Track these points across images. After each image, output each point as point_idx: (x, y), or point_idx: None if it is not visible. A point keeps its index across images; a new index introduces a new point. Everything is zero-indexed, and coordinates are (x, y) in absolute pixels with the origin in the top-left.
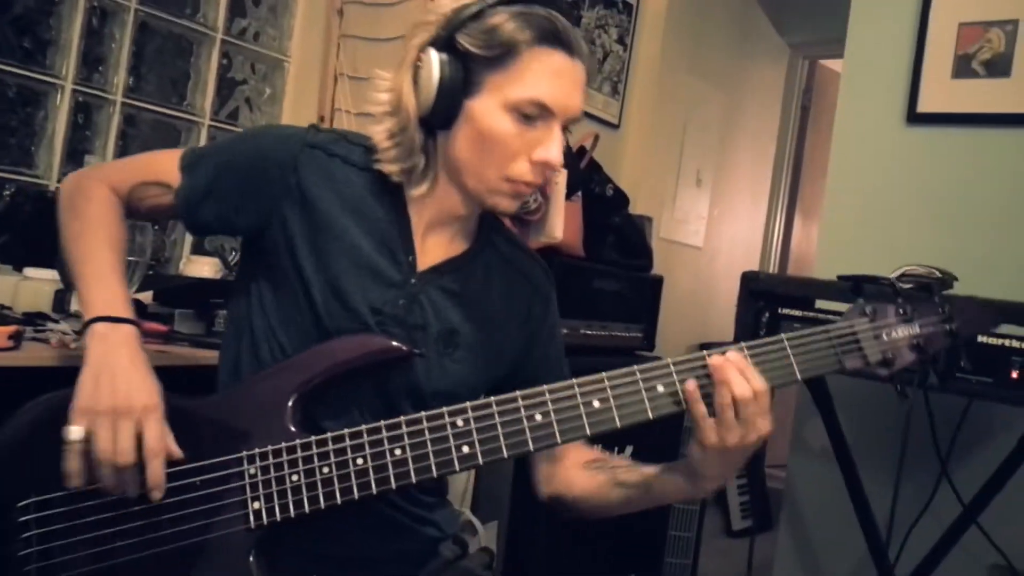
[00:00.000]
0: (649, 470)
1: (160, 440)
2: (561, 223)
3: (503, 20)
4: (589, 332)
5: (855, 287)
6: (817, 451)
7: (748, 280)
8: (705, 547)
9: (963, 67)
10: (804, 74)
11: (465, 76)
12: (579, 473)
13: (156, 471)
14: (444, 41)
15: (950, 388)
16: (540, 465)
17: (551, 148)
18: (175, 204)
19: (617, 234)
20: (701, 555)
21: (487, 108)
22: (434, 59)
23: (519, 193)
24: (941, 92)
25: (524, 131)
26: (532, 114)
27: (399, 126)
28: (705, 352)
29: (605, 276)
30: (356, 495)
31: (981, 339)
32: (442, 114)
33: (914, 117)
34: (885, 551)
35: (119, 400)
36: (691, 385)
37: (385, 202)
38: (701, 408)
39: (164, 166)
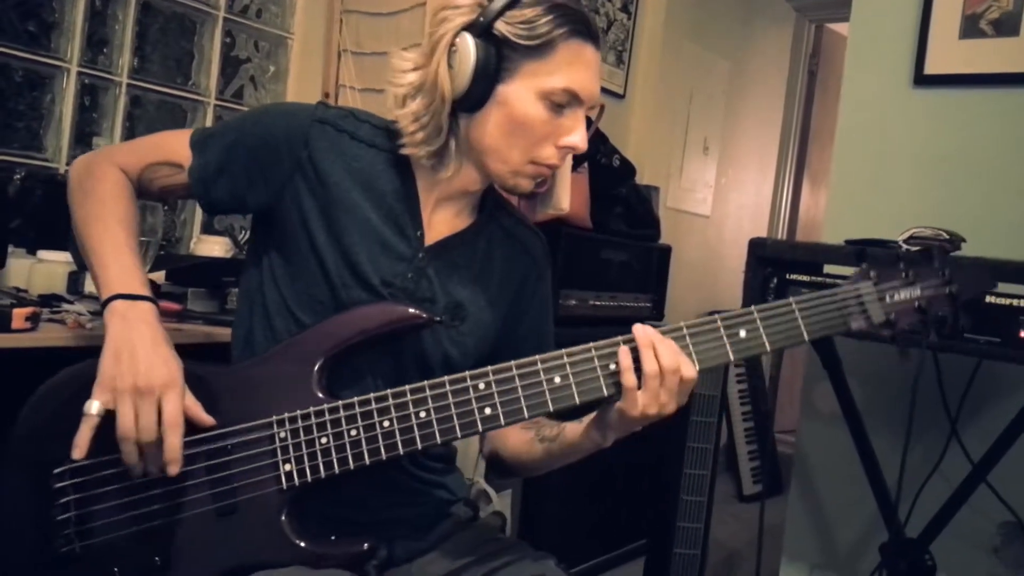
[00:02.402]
0: (565, 424)
1: (178, 415)
2: (568, 195)
3: (540, 12)
4: (598, 303)
5: (859, 253)
6: (827, 415)
7: (756, 247)
8: (717, 512)
9: (971, 27)
10: (811, 38)
11: (499, 63)
12: (515, 432)
13: (173, 445)
14: (482, 27)
15: (958, 349)
16: None
17: (578, 134)
18: (189, 183)
19: (624, 204)
20: (713, 520)
21: (520, 94)
22: (471, 44)
23: (540, 175)
24: (949, 53)
25: (553, 118)
26: (563, 102)
27: (427, 108)
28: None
29: (613, 247)
30: (384, 456)
31: (989, 299)
32: (474, 98)
33: (921, 79)
34: (895, 512)
35: (140, 378)
36: (624, 356)
37: (393, 178)
38: (632, 379)
39: (174, 146)
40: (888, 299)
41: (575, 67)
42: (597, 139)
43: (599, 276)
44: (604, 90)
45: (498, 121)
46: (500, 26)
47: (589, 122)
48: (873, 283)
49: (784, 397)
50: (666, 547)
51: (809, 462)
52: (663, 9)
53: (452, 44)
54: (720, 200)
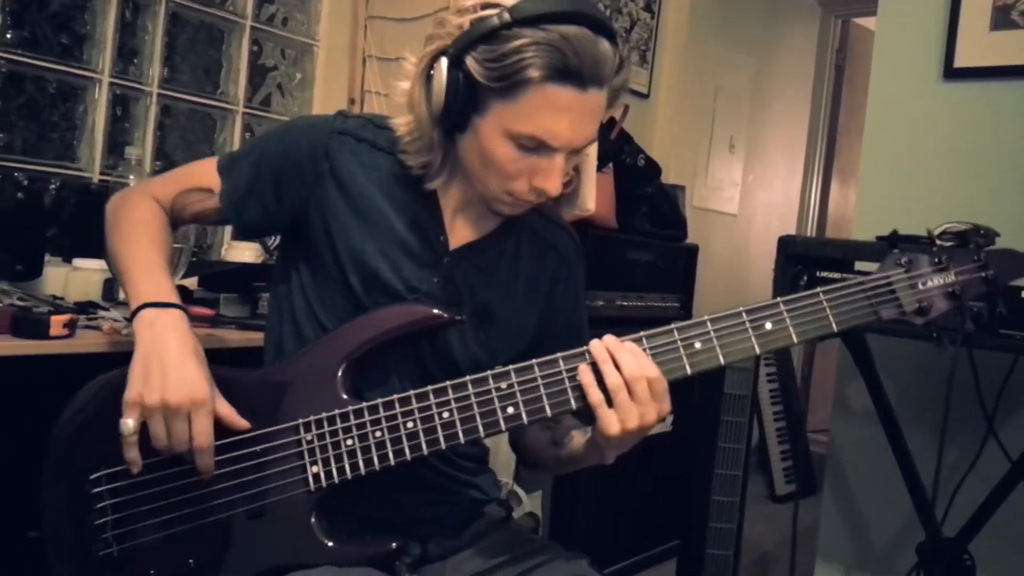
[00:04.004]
0: (574, 433)
1: (207, 435)
2: (593, 195)
3: (515, 47)
4: (625, 303)
5: (891, 240)
6: (860, 413)
7: (785, 244)
8: (749, 512)
9: (1002, 18)
10: (837, 33)
11: (472, 94)
12: (534, 430)
13: (204, 464)
14: (452, 58)
15: (994, 345)
16: None
17: (550, 180)
18: (221, 208)
19: (650, 204)
20: (745, 520)
21: (489, 132)
22: (444, 74)
23: (519, 205)
24: (979, 45)
25: (525, 157)
26: (532, 147)
27: (417, 124)
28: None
29: (639, 247)
30: (408, 456)
31: None
32: (453, 123)
33: (951, 72)
34: (932, 511)
35: (168, 395)
36: (585, 372)
37: (414, 184)
38: (598, 394)
39: (203, 173)
40: (920, 286)
41: (545, 114)
42: (622, 139)
43: (626, 277)
44: (628, 90)
45: (474, 150)
46: (469, 61)
47: (613, 122)
48: (904, 270)
49: (816, 396)
50: (698, 548)
51: (843, 461)
52: (687, 7)
53: (430, 68)
54: (747, 198)
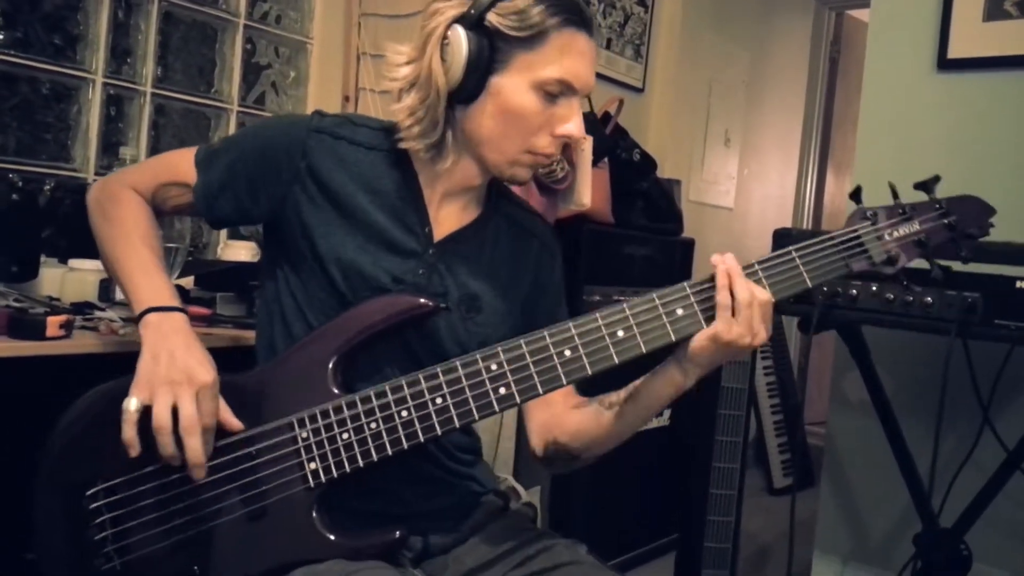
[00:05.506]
0: (634, 383)
1: (213, 416)
2: (589, 190)
3: (531, 2)
4: (622, 298)
5: (854, 194)
6: (857, 405)
7: (780, 237)
8: (747, 505)
9: (995, 9)
10: (831, 26)
11: (491, 54)
12: (571, 413)
13: (206, 442)
14: (473, 19)
15: (989, 335)
16: (534, 417)
17: (573, 123)
18: (194, 201)
19: (646, 199)
20: (743, 513)
21: (514, 85)
22: (463, 36)
23: (538, 164)
24: (972, 36)
25: (547, 107)
26: (557, 92)
27: (423, 102)
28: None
29: (635, 241)
30: (405, 445)
31: (1020, 284)
32: (468, 90)
33: (945, 63)
34: (929, 502)
35: (177, 373)
36: (723, 272)
37: (396, 177)
38: (726, 297)
39: (182, 166)
40: (887, 236)
41: (568, 57)
42: (617, 134)
43: (622, 271)
44: (623, 84)
45: (492, 112)
46: (491, 17)
47: (608, 117)
48: (871, 223)
49: (813, 389)
50: (697, 541)
51: (840, 453)
52: (680, 1)
53: (444, 37)
54: (743, 192)
